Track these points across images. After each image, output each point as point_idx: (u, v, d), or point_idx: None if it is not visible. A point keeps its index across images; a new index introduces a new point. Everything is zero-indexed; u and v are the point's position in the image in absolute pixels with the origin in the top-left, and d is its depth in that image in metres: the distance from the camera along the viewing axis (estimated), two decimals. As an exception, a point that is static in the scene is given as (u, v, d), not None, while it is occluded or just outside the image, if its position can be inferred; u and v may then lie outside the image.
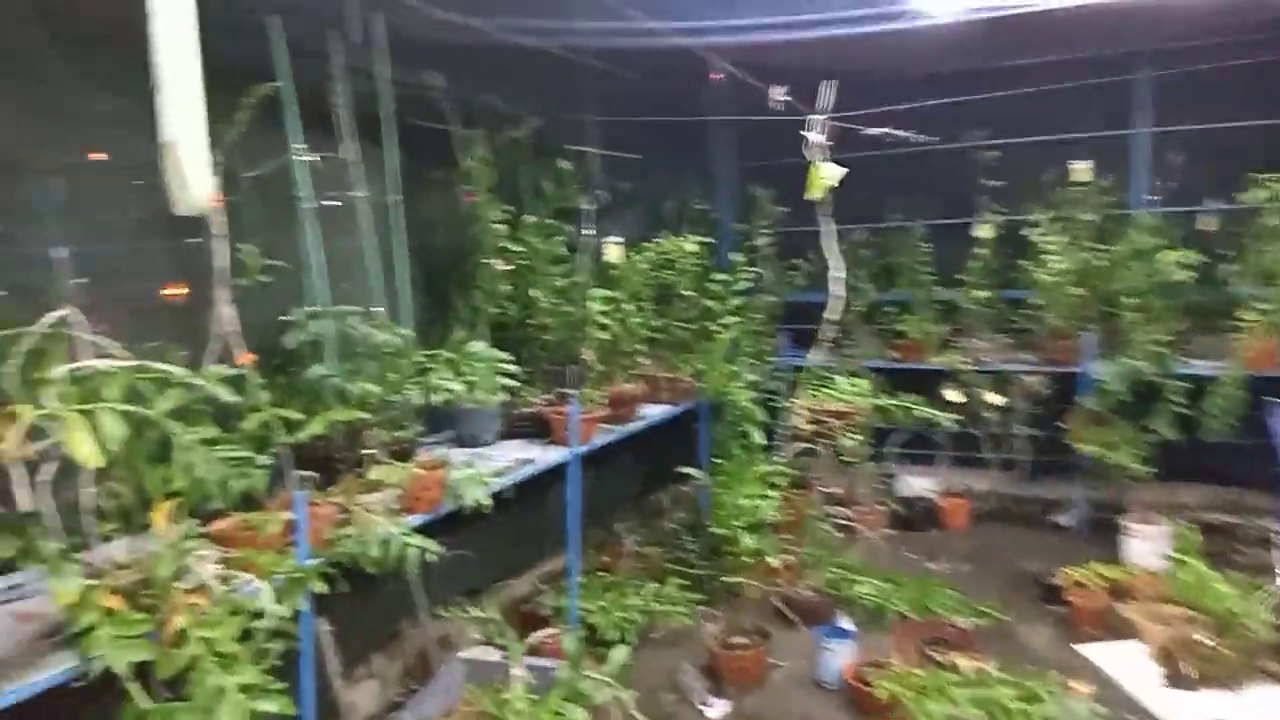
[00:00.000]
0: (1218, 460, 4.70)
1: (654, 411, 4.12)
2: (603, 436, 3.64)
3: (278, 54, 2.51)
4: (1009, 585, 4.35)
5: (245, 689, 1.80)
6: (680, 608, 3.78)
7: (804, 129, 3.38)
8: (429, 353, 2.89)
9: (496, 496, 2.78)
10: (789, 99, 3.38)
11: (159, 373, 1.90)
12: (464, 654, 3.14)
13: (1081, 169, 4.92)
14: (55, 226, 2.19)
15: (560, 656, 3.09)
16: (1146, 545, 4.33)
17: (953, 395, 5.03)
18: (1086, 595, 3.93)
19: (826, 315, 3.85)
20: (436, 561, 2.42)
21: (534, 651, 2.95)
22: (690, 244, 4.30)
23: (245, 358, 2.39)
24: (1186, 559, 3.75)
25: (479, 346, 2.99)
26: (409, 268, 2.98)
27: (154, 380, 1.89)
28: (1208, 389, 4.31)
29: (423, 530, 2.48)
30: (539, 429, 3.52)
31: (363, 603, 2.78)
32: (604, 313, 3.76)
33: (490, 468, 2.98)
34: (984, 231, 5.21)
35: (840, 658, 3.37)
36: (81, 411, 1.71)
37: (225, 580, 1.98)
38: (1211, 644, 3.24)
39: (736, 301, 4.48)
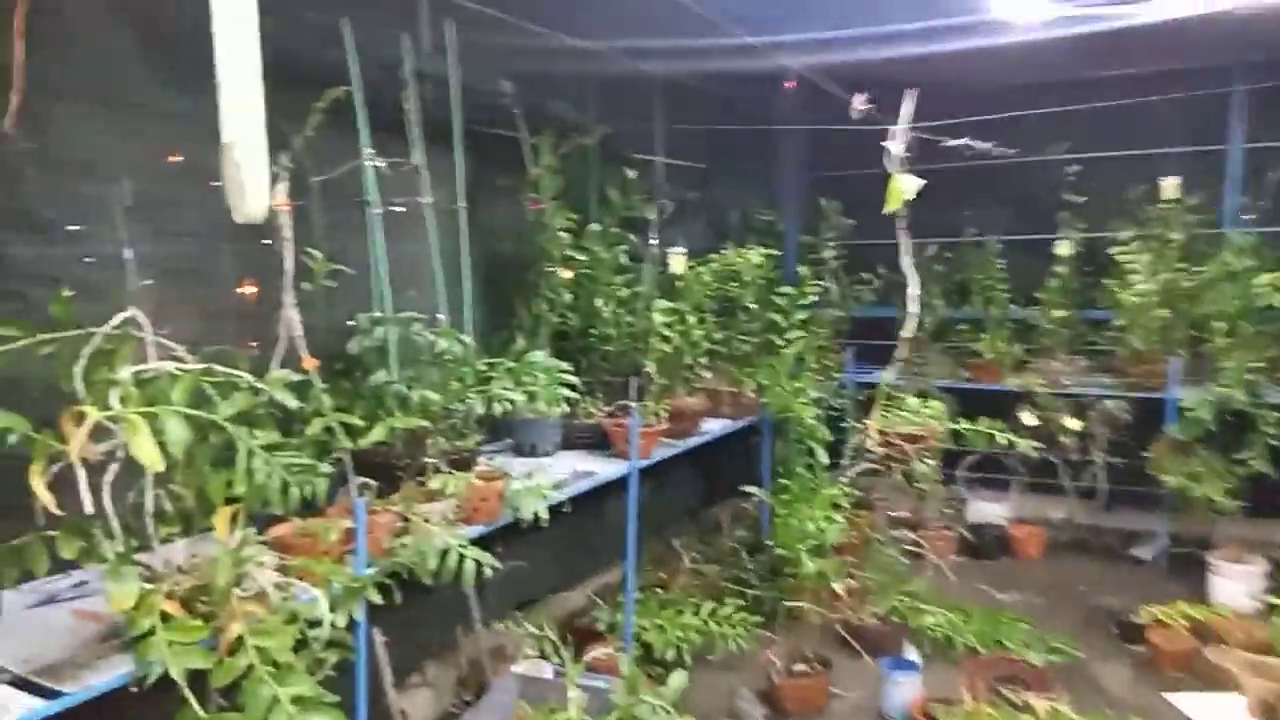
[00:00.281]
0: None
1: (715, 426, 4.03)
2: (663, 451, 3.57)
3: (350, 58, 2.50)
4: (1084, 621, 4.14)
5: (298, 700, 1.76)
6: (738, 630, 3.67)
7: (882, 139, 3.27)
8: (491, 361, 2.86)
9: (554, 509, 2.72)
10: (870, 107, 3.27)
11: (224, 376, 1.89)
12: (517, 668, 3.09)
13: (1170, 185, 4.69)
14: (126, 227, 2.21)
15: (614, 673, 3.02)
16: (1235, 585, 4.08)
17: (1028, 419, 4.82)
18: (1170, 636, 3.70)
19: (901, 334, 3.71)
20: (492, 572, 2.37)
21: (588, 668, 2.89)
22: (755, 255, 4.21)
23: (309, 362, 2.38)
24: (1283, 603, 3.51)
25: (540, 356, 2.95)
26: (473, 275, 2.95)
27: (219, 384, 1.88)
28: (1305, 420, 4.05)
29: (479, 541, 2.44)
30: (598, 441, 3.46)
31: (417, 611, 2.75)
32: (667, 324, 3.69)
33: (548, 479, 2.92)
34: (1064, 248, 5.00)
35: (906, 691, 3.23)
36: (146, 414, 1.70)
37: (282, 588, 1.95)
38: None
39: (802, 315, 4.37)
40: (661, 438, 3.56)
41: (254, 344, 2.36)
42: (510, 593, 3.38)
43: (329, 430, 2.28)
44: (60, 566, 1.83)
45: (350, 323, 2.60)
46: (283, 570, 2.05)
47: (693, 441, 3.79)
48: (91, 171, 2.19)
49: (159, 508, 1.86)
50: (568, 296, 3.52)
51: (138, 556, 1.80)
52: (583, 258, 3.58)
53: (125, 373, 1.76)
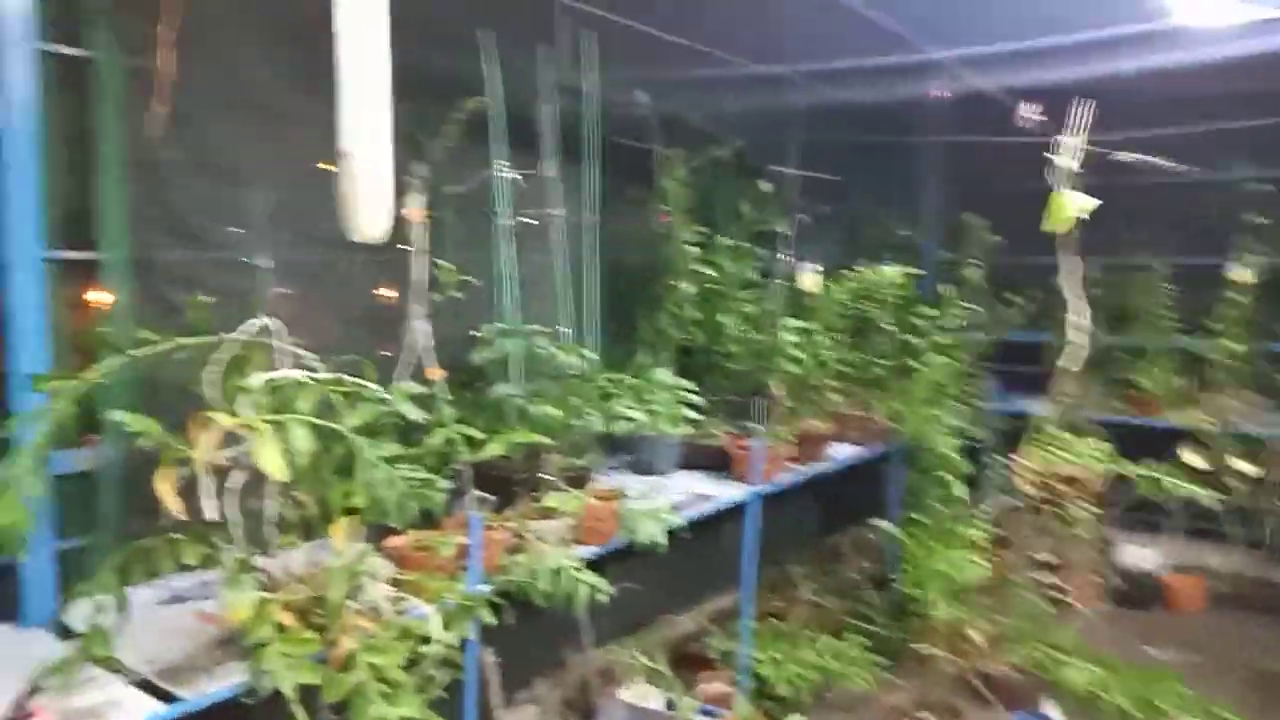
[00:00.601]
0: None
1: (843, 452, 3.83)
2: (787, 476, 3.41)
3: (488, 68, 2.48)
4: (1253, 685, 3.71)
5: (406, 722, 1.73)
6: (859, 669, 3.46)
7: (1040, 152, 3.00)
8: (612, 377, 2.79)
9: (669, 532, 2.62)
10: (1041, 118, 3.01)
11: (351, 386, 1.88)
12: (626, 694, 3.00)
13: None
14: (265, 234, 2.25)
15: (727, 707, 2.89)
16: None
17: (1192, 459, 4.36)
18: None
19: (1060, 364, 3.41)
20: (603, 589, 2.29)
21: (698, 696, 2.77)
22: (893, 273, 3.98)
23: (436, 373, 2.37)
24: None
25: (663, 374, 2.86)
26: (598, 288, 2.89)
27: (345, 394, 1.87)
28: None
29: (592, 562, 2.36)
30: (719, 462, 3.34)
31: (524, 628, 2.70)
32: (795, 343, 3.53)
33: (666, 501, 2.82)
34: (1243, 275, 4.52)
35: (1045, 754, 2.96)
36: (273, 422, 1.70)
37: (395, 602, 1.93)
38: None
39: (942, 338, 4.11)
40: (786, 462, 3.40)
41: (384, 352, 2.36)
42: (620, 614, 3.29)
43: (449, 441, 2.26)
44: (188, 564, 1.87)
45: (475, 334, 2.58)
46: (396, 584, 2.03)
47: (818, 468, 3.61)
48: (234, 178, 2.24)
49: (280, 516, 1.86)
50: (693, 312, 3.41)
51: (257, 560, 1.82)
52: (710, 272, 3.47)
53: (256, 380, 1.78)
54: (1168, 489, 3.36)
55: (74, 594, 1.77)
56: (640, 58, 3.34)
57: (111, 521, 2.00)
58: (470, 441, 2.31)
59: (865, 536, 4.57)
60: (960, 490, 3.79)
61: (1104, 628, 4.21)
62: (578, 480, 2.64)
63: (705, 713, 2.75)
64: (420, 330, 2.33)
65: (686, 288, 3.37)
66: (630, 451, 3.32)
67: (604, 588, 2.24)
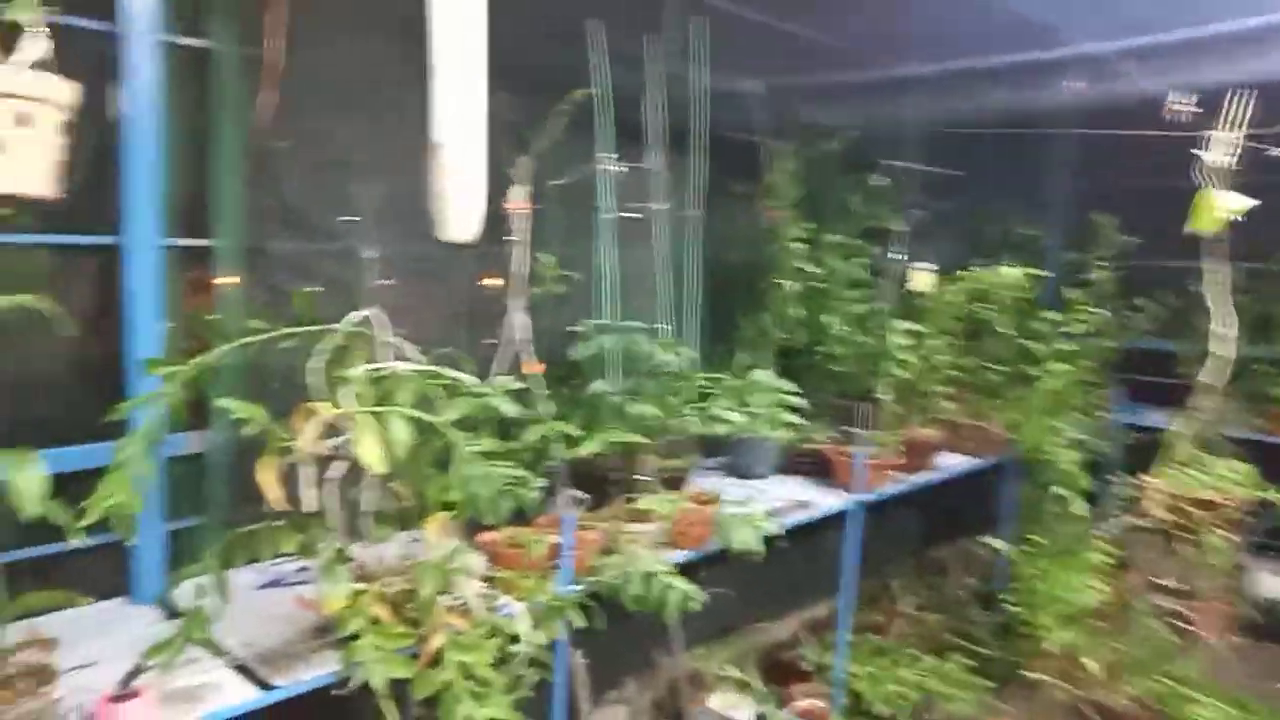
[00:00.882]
0: None
1: (952, 462, 3.64)
2: (891, 485, 3.26)
3: (595, 60, 2.43)
4: None
5: (494, 723, 1.70)
6: (962, 691, 3.29)
7: (1185, 148, 2.76)
8: (711, 376, 2.71)
9: (765, 539, 2.53)
10: (1195, 110, 2.77)
11: (449, 379, 1.87)
12: (715, 702, 2.93)
13: None
14: (370, 224, 2.26)
15: (819, 723, 2.79)
16: None
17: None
18: None
19: (1201, 378, 3.14)
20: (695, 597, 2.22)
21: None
22: (1013, 274, 3.75)
23: (534, 367, 2.34)
24: None
25: (763, 375, 2.76)
26: (699, 285, 2.81)
27: (444, 387, 1.85)
28: None
29: (685, 566, 2.30)
30: (819, 468, 3.22)
31: (615, 629, 2.66)
32: (905, 346, 3.36)
33: (762, 507, 2.73)
34: None
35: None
36: (373, 414, 1.69)
37: (486, 600, 1.91)
38: None
39: (1064, 344, 3.85)
40: (891, 471, 3.25)
41: (482, 345, 2.35)
42: (712, 618, 3.22)
43: (545, 438, 2.23)
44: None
45: (573, 328, 2.54)
46: (488, 581, 2.01)
47: (926, 478, 3.44)
48: (343, 169, 2.25)
49: (377, 507, 1.86)
50: (797, 311, 3.29)
51: (353, 550, 1.82)
52: (816, 270, 3.34)
53: (359, 371, 1.78)
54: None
55: (181, 574, 1.81)
56: (751, 47, 3.23)
57: (219, 504, 2.05)
58: (566, 438, 2.28)
59: (973, 551, 4.35)
60: (1080, 508, 3.55)
61: (1235, 662, 3.88)
62: (673, 482, 2.57)
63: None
64: (519, 324, 2.31)
65: (791, 286, 3.25)
66: (728, 453, 3.23)
67: (696, 596, 2.17)
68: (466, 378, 1.87)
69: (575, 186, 2.53)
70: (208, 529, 2.04)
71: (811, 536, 3.22)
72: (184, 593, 1.79)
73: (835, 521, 3.08)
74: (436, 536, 1.84)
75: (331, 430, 1.70)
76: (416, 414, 1.75)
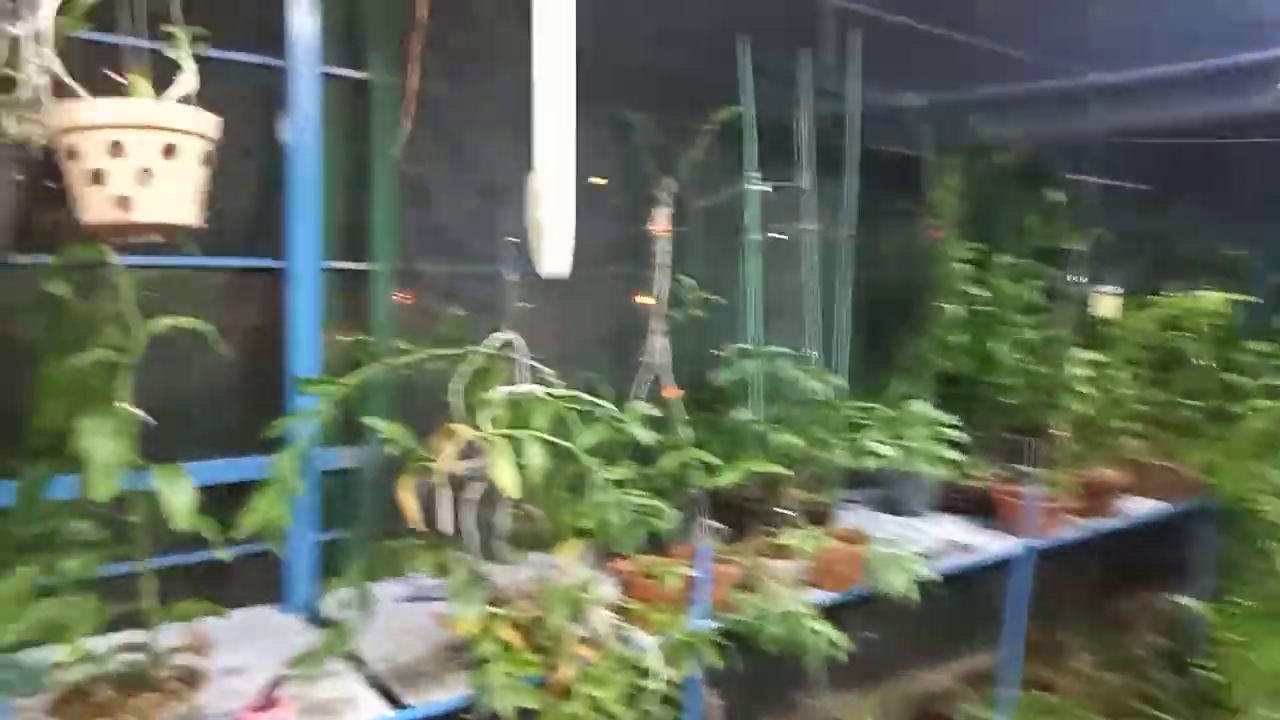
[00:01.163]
0: None
1: (1138, 507, 3.28)
2: (1066, 530, 2.97)
3: (742, 75, 2.36)
4: None
5: (622, 765, 1.65)
6: (1148, 766, 2.95)
7: None
8: (863, 406, 2.56)
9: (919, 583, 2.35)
10: None
11: (585, 404, 1.84)
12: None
13: None
14: (512, 248, 2.27)
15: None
16: None
17: None
18: None
19: None
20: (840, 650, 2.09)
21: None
22: (1213, 299, 3.36)
23: (672, 391, 2.29)
24: None
25: (920, 406, 2.58)
26: (850, 309, 2.66)
27: (579, 411, 1.83)
28: None
29: (828, 609, 2.16)
30: (982, 507, 2.97)
31: (752, 667, 2.55)
32: (1086, 378, 3.07)
33: (917, 547, 2.54)
34: None
35: None
36: (509, 436, 1.69)
37: (617, 631, 1.86)
38: None
39: (1275, 379, 3.41)
40: (1066, 514, 2.96)
41: (620, 367, 2.32)
42: (858, 662, 3.04)
43: (683, 465, 2.17)
44: (427, 568, 1.91)
45: (716, 353, 2.47)
46: (619, 611, 1.97)
47: (1106, 523, 3.11)
48: (488, 193, 2.29)
49: (512, 529, 1.86)
50: (960, 337, 3.07)
51: (487, 571, 1.82)
52: (984, 293, 3.10)
53: (498, 393, 1.78)
54: None
55: (328, 585, 1.87)
56: (913, 58, 3.06)
57: (366, 519, 2.11)
58: (705, 467, 2.20)
59: (1160, 607, 3.91)
60: (1294, 567, 3.11)
61: None
62: (818, 517, 2.45)
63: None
64: (659, 347, 2.26)
65: (955, 310, 3.04)
66: (880, 486, 3.05)
67: (840, 642, 2.03)
68: (603, 402, 1.84)
69: (723, 207, 2.47)
70: (355, 543, 2.11)
71: (972, 581, 2.98)
72: (331, 603, 1.85)
73: (1000, 567, 2.83)
74: (569, 563, 1.81)
75: (471, 451, 1.71)
76: (552, 438, 1.73)
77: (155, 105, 0.98)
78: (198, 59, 1.18)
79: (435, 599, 2.10)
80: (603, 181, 2.39)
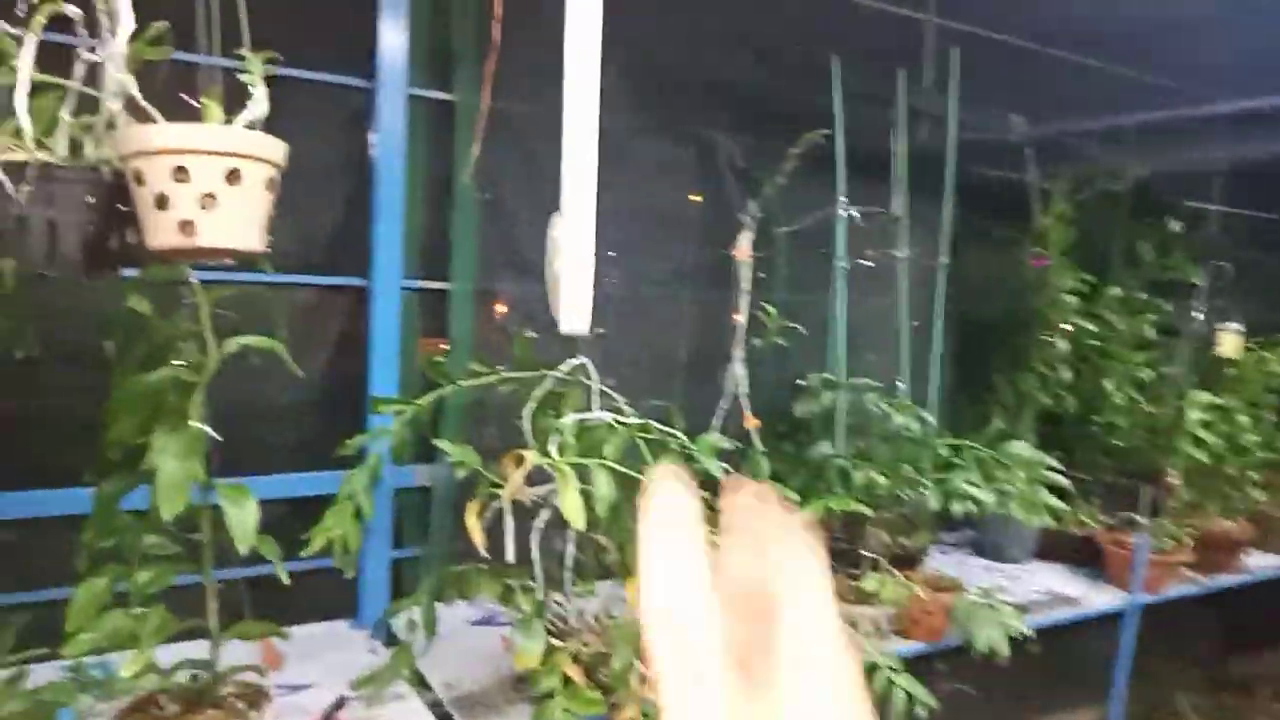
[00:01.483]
0: None
1: (1262, 563, 3.01)
2: (1180, 585, 2.74)
3: (835, 97, 2.28)
4: None
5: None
6: None
7: None
8: (956, 444, 2.41)
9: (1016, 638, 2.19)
10: None
11: (658, 433, 1.79)
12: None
13: None
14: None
15: None
16: None
17: None
18: None
19: None
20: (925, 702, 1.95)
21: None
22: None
23: (751, 421, 2.21)
24: None
25: (1020, 446, 2.42)
26: (945, 340, 2.53)
27: (651, 441, 1.78)
28: None
29: (913, 660, 2.03)
30: (1087, 557, 2.77)
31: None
32: (1205, 422, 2.83)
33: (1013, 598, 2.38)
34: None
35: None
36: (577, 465, 1.64)
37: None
38: None
39: None
40: (1181, 568, 2.73)
41: (696, 396, 2.25)
42: (944, 714, 2.87)
43: (762, 500, 2.09)
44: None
45: (799, 383, 2.38)
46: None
47: (1225, 580, 2.86)
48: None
49: (578, 560, 1.81)
50: (1066, 373, 2.88)
51: (552, 601, 1.78)
52: (1093, 327, 2.91)
53: (568, 420, 1.75)
54: None
55: (398, 604, 1.86)
56: (1023, 80, 2.91)
57: (437, 539, 2.10)
58: (785, 502, 2.12)
59: (1287, 671, 3.58)
60: None
61: None
62: (906, 561, 2.31)
63: None
64: (738, 376, 2.19)
65: (1061, 344, 2.86)
66: (977, 529, 2.88)
67: (926, 701, 1.90)
68: (676, 433, 1.78)
69: (811, 232, 2.38)
70: (426, 562, 2.10)
71: (1074, 635, 2.78)
72: (400, 623, 1.84)
73: (1105, 622, 2.63)
74: (635, 601, 1.75)
75: (539, 478, 1.68)
76: (621, 468, 1.68)
77: (219, 130, 0.98)
78: (286, 80, 1.20)
79: (507, 623, 2.08)
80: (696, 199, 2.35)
